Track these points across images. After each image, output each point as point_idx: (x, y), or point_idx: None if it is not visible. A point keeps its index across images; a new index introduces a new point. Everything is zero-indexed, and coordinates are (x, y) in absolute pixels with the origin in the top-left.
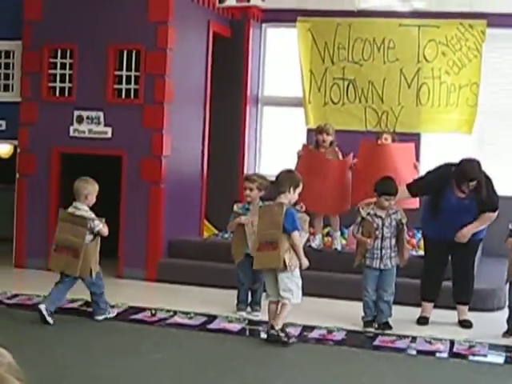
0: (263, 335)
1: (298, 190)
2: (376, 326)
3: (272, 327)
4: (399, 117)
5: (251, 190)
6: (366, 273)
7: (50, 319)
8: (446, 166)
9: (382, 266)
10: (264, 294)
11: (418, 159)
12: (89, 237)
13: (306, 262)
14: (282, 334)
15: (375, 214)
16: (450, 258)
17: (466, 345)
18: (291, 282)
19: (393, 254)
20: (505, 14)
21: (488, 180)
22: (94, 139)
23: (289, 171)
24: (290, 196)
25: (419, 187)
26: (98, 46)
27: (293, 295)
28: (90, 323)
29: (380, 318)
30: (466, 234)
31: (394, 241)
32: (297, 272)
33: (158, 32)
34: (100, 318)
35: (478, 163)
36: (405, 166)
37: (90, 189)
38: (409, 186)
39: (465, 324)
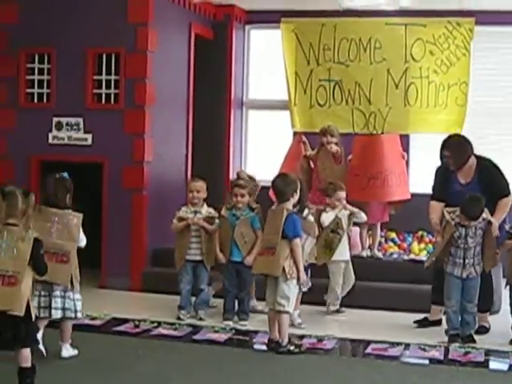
0: (256, 346)
1: (298, 190)
2: (460, 339)
3: (271, 341)
4: (387, 118)
5: (242, 196)
6: (448, 280)
7: None
8: None
9: (465, 275)
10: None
11: (408, 162)
12: None
13: (303, 276)
14: (291, 348)
15: (459, 223)
16: None
17: (461, 351)
18: (289, 290)
19: (476, 262)
20: (493, 11)
21: (495, 167)
22: (74, 146)
23: (284, 178)
24: (293, 200)
25: (438, 192)
26: (77, 49)
27: (288, 303)
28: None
29: (465, 331)
30: (495, 224)
31: (478, 249)
32: (296, 281)
33: (137, 34)
34: None
35: (460, 140)
36: (392, 155)
37: None
38: (433, 198)
39: (480, 330)
